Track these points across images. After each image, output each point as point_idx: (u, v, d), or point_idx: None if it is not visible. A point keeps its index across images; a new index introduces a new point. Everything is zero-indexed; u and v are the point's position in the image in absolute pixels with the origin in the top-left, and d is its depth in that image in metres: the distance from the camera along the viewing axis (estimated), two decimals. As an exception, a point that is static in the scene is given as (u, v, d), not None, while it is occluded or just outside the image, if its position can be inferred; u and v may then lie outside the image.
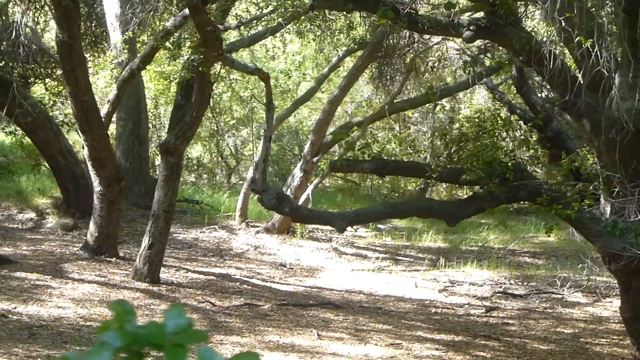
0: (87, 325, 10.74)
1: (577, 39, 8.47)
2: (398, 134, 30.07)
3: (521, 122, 12.06)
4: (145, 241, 13.47)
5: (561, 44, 9.16)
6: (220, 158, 29.90)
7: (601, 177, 8.72)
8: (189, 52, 13.12)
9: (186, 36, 12.72)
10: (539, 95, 15.31)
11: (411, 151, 25.87)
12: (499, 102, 18.18)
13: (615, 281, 15.81)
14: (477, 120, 9.32)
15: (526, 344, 11.96)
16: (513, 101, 17.36)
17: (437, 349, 11.31)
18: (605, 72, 8.44)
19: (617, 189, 8.31)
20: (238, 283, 14.65)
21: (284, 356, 10.40)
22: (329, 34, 19.63)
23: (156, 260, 13.51)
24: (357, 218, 8.87)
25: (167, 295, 12.95)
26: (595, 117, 8.64)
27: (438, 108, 27.76)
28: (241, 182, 30.25)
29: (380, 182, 29.67)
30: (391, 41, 19.03)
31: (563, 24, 8.52)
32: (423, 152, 26.64)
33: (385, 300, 14.40)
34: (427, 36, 19.84)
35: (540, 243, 20.86)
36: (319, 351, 10.74)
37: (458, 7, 8.75)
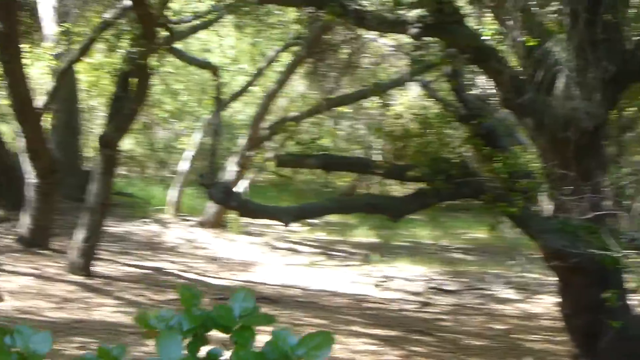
0: (23, 317, 10.62)
1: (523, 38, 8.61)
2: (331, 129, 30.21)
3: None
4: (81, 234, 13.33)
5: (506, 42, 9.29)
6: (151, 151, 29.72)
7: (543, 175, 8.87)
8: (129, 44, 12.98)
9: (126, 28, 12.58)
10: (472, 92, 15.52)
11: (358, 147, 26.00)
12: (432, 99, 18.40)
13: (546, 278, 16.16)
14: (418, 116, 9.37)
15: (460, 340, 12.10)
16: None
17: (373, 344, 11.37)
18: (547, 72, 8.61)
19: (557, 187, 8.47)
20: (172, 277, 14.58)
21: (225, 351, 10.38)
22: (265, 28, 19.61)
23: (91, 253, 13.40)
24: (302, 213, 8.90)
25: (102, 289, 12.86)
26: (538, 115, 8.78)
27: (369, 104, 27.91)
28: (173, 175, 30.16)
29: (312, 177, 29.81)
30: (329, 37, 19.10)
31: (509, 23, 8.65)
32: (360, 147, 26.80)
33: (320, 295, 14.46)
34: (363, 33, 19.99)
35: (470, 239, 21.14)
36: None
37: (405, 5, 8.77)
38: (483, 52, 8.84)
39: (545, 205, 9.14)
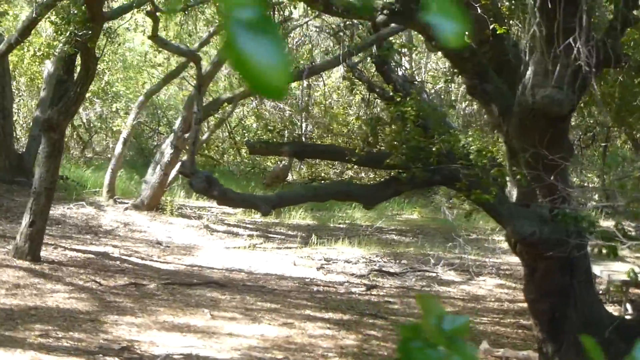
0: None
1: (492, 26, 8.71)
2: (255, 110, 30.19)
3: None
4: (26, 219, 13.09)
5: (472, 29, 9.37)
6: (73, 132, 29.28)
7: (508, 162, 9.00)
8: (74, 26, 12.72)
9: (75, 11, 12.33)
10: (398, 73, 15.65)
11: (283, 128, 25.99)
12: (357, 80, 18.49)
13: (486, 260, 16.44)
14: (390, 104, 9.41)
15: (412, 322, 12.21)
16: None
17: (329, 328, 11.43)
18: (515, 59, 8.73)
19: (523, 173, 8.60)
20: (118, 262, 14.42)
21: (182, 336, 10.34)
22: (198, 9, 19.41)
23: (37, 238, 13.16)
24: (280, 201, 8.90)
25: (50, 274, 12.65)
26: (503, 102, 8.91)
27: (295, 85, 27.95)
28: (96, 156, 29.78)
29: (239, 158, 29.76)
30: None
31: (479, 10, 8.74)
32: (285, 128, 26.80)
33: (266, 278, 14.45)
34: (293, 15, 20.02)
35: (405, 220, 21.34)
36: (215, 331, 10.71)
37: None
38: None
39: (509, 191, 9.29)
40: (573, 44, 7.69)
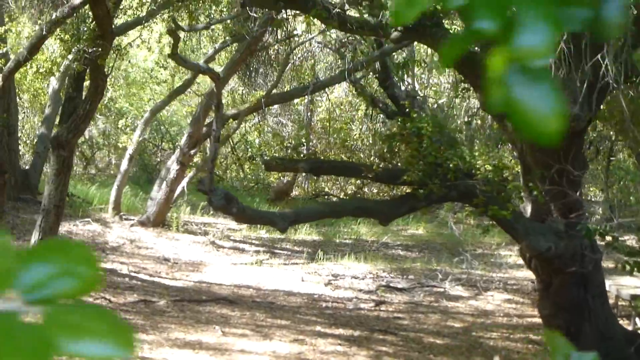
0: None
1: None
2: (258, 126, 30.25)
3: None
4: (35, 236, 13.05)
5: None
6: (76, 149, 29.28)
7: (522, 178, 9.03)
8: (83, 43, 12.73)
9: (85, 28, 12.35)
10: (402, 89, 15.67)
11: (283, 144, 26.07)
12: (360, 96, 18.53)
13: (493, 275, 16.44)
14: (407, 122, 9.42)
15: (422, 338, 12.22)
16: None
17: (340, 345, 11.42)
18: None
19: (538, 189, 8.63)
20: (127, 278, 14.42)
21: (195, 354, 10.33)
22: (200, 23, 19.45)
23: (47, 256, 13.13)
24: (297, 218, 8.90)
25: (60, 292, 12.64)
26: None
27: (297, 101, 28.04)
28: (99, 173, 29.80)
29: (242, 174, 29.79)
30: (267, 36, 19.13)
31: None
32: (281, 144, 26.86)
33: (275, 294, 14.45)
34: (296, 31, 20.10)
35: (410, 236, 21.35)
36: (227, 348, 10.71)
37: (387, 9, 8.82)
38: (463, 56, 8.94)
39: (524, 207, 9.32)
40: (601, 61, 7.71)
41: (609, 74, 7.56)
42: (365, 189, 26.24)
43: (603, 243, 8.11)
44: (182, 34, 20.51)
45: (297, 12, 11.32)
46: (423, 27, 8.82)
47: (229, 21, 16.87)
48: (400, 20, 1.06)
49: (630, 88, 10.63)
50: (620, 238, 7.89)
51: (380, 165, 9.82)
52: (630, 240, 11.94)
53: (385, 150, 9.76)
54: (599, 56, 7.59)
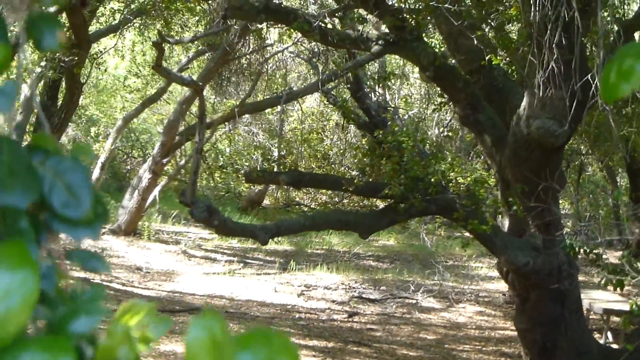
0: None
1: (487, 57, 8.80)
2: (228, 134, 30.20)
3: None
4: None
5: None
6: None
7: (501, 192, 9.08)
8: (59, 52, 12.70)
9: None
10: (373, 100, 15.71)
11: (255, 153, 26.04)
12: (332, 106, 18.56)
13: (464, 287, 16.51)
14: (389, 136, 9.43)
15: (395, 350, 12.24)
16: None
17: (314, 356, 11.41)
18: (505, 88, 8.84)
19: (517, 203, 8.67)
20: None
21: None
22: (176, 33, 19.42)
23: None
24: (278, 231, 8.88)
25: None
26: (496, 132, 9.00)
27: (269, 110, 28.02)
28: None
29: (213, 182, 29.73)
30: (240, 46, 19.11)
31: (475, 42, 8.84)
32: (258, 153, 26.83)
33: (248, 305, 14.42)
34: (269, 41, 20.11)
35: (382, 246, 21.40)
36: None
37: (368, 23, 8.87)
38: (442, 70, 9.00)
39: (502, 221, 9.37)
40: (591, 81, 7.76)
41: (598, 93, 7.62)
42: (336, 199, 26.28)
43: (586, 259, 8.18)
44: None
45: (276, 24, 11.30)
46: (404, 41, 8.87)
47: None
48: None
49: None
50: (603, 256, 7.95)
51: (361, 178, 9.85)
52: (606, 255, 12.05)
53: (366, 164, 9.80)
54: (588, 76, 7.65)
